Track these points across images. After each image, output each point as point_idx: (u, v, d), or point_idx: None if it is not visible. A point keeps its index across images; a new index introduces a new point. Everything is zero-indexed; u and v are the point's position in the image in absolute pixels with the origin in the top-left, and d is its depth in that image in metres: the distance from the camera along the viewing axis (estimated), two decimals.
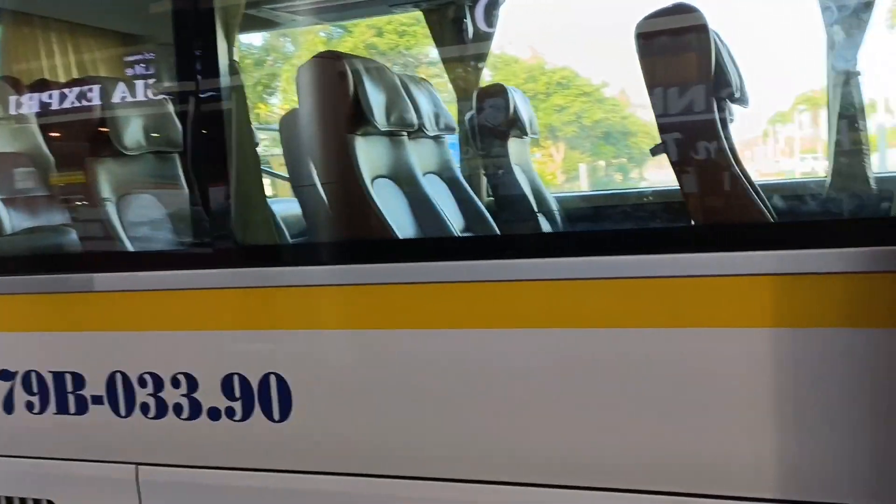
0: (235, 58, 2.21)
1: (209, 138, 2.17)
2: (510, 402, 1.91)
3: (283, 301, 2.12)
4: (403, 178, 2.69)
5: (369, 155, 2.43)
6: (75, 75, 3.81)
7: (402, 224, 2.50)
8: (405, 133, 2.74)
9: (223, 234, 2.17)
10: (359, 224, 2.35)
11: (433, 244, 2.41)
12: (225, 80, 2.16)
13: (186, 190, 3.01)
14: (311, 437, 2.09)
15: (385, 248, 2.25)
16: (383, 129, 2.51)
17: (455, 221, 2.89)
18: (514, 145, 3.56)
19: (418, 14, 3.95)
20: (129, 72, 3.63)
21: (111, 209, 2.70)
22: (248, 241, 2.20)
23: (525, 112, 3.59)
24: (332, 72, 2.36)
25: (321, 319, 2.09)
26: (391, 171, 2.65)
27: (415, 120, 2.73)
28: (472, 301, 1.91)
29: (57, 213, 3.01)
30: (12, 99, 3.21)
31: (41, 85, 3.38)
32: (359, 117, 2.40)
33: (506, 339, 1.89)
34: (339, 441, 2.07)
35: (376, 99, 2.43)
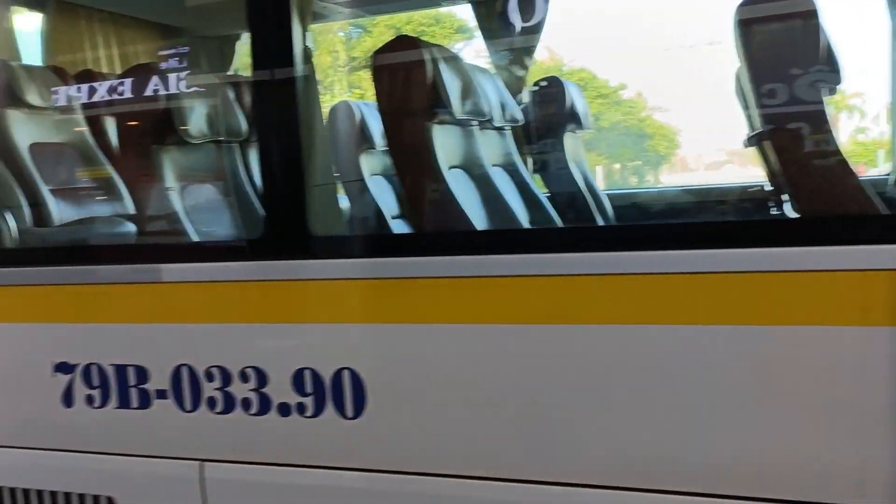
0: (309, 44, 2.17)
1: (284, 126, 2.10)
2: (597, 402, 1.83)
3: (356, 294, 2.06)
4: (475, 170, 2.63)
5: (445, 144, 2.37)
6: (118, 67, 3.78)
7: (477, 216, 2.44)
8: (476, 123, 2.68)
9: (294, 224, 2.10)
10: (437, 215, 2.28)
11: (521, 236, 2.31)
12: (300, 67, 2.10)
13: (248, 179, 2.98)
14: (386, 435, 2.02)
15: (475, 240, 2.17)
16: (459, 117, 2.45)
17: (521, 215, 2.83)
18: (568, 140, 3.49)
19: (437, 13, 3.90)
20: (165, 65, 3.60)
21: (175, 198, 2.64)
22: (321, 232, 2.14)
23: (581, 106, 3.52)
24: (410, 57, 2.30)
25: (398, 314, 2.02)
26: (464, 162, 2.59)
27: (486, 109, 2.66)
28: (560, 295, 1.84)
29: (116, 203, 2.96)
30: (62, 90, 3.17)
31: (86, 75, 3.34)
32: (436, 105, 2.34)
33: (589, 335, 1.82)
34: (415, 440, 2.00)
35: (452, 87, 2.37)
